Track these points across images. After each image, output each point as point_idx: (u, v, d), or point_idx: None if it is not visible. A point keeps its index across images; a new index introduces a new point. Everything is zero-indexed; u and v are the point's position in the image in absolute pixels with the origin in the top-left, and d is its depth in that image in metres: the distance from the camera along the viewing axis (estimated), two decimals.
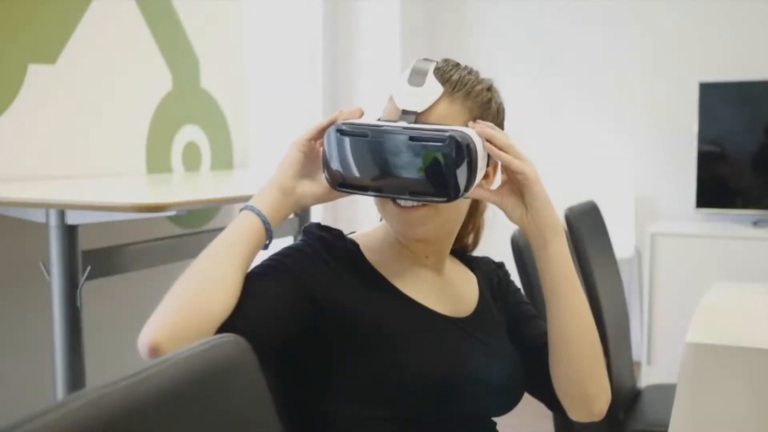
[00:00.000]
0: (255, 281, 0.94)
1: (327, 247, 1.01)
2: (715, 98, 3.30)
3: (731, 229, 3.22)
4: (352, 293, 0.99)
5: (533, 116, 3.71)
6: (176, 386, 0.61)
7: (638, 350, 3.19)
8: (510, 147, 0.96)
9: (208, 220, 2.47)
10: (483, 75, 1.05)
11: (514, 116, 1.01)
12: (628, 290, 3.34)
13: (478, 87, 1.01)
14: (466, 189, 0.92)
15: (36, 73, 1.84)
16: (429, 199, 0.94)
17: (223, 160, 2.54)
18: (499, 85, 1.07)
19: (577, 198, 2.04)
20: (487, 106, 1.01)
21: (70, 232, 1.52)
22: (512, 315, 1.14)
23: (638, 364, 3.21)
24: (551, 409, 1.10)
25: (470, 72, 1.03)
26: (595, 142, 3.68)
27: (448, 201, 0.93)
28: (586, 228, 1.90)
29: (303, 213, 2.55)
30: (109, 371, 0.62)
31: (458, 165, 0.90)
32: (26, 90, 1.81)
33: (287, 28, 3.24)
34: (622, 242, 3.37)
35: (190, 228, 2.36)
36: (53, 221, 1.51)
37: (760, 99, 3.29)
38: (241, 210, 0.96)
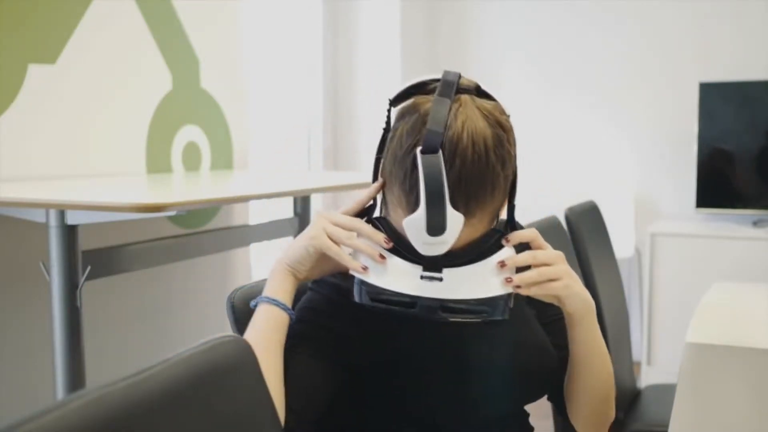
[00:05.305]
0: (292, 373, 0.95)
1: (342, 293, 1.00)
2: (715, 98, 3.30)
3: (731, 229, 3.22)
4: (373, 337, 1.00)
5: (533, 116, 3.71)
6: (176, 386, 0.61)
7: (638, 350, 3.19)
8: (552, 273, 0.94)
9: (208, 220, 2.47)
10: (484, 77, 1.00)
11: (515, 116, 0.99)
12: (628, 290, 3.35)
13: (491, 178, 0.89)
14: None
15: (36, 73, 1.84)
16: (476, 318, 0.92)
17: (223, 160, 2.54)
18: (498, 85, 1.03)
19: (577, 198, 2.04)
20: (503, 167, 0.91)
21: (70, 232, 1.52)
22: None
23: (638, 364, 3.21)
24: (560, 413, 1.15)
25: (481, 154, 0.88)
26: (595, 142, 3.68)
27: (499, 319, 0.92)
28: (586, 228, 1.90)
29: (303, 213, 2.55)
30: (109, 371, 0.62)
31: (505, 310, 0.91)
32: (26, 90, 1.81)
33: (287, 28, 3.24)
34: (622, 242, 3.37)
35: (190, 228, 2.36)
36: (53, 221, 1.51)
37: (760, 99, 3.28)
38: (256, 303, 0.96)
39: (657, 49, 3.55)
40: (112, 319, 2.04)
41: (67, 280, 1.53)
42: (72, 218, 1.51)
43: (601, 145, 3.68)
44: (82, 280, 1.54)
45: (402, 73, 3.51)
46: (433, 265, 0.89)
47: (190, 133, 2.38)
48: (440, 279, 0.89)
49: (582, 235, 1.85)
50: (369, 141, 3.50)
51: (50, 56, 1.88)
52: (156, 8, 2.21)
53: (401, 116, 0.93)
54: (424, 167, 0.85)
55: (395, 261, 0.91)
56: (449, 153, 0.86)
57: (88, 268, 1.55)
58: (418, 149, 0.86)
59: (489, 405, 1.03)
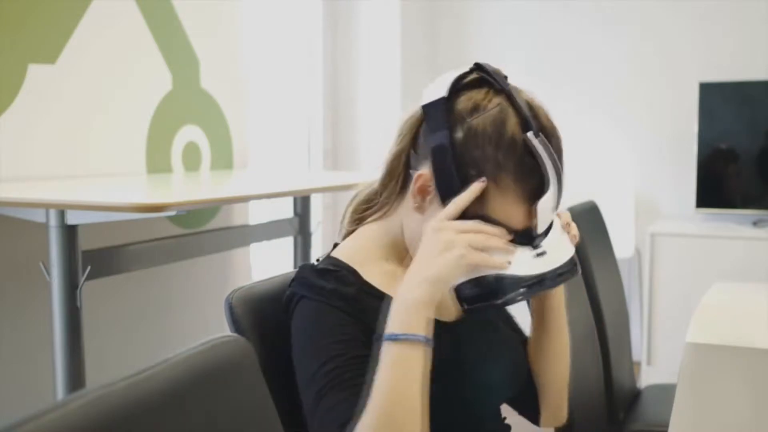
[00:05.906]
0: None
1: (344, 299, 0.97)
2: (715, 98, 3.30)
3: (731, 229, 3.22)
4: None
5: None
6: (176, 386, 0.61)
7: (638, 350, 3.19)
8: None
9: (208, 220, 2.47)
10: None
11: None
12: (628, 290, 3.34)
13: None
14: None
15: (36, 73, 1.84)
16: (575, 275, 0.99)
17: (223, 160, 2.54)
18: None
19: (577, 198, 2.04)
20: None
21: (70, 232, 1.52)
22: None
23: (638, 364, 3.21)
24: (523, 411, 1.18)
25: (559, 131, 0.99)
26: (595, 142, 3.68)
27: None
28: (586, 228, 1.90)
29: (303, 213, 2.55)
30: (109, 371, 0.62)
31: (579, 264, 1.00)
32: (26, 90, 1.81)
33: (287, 28, 3.24)
34: (622, 242, 3.37)
35: (190, 228, 2.36)
36: (53, 221, 1.51)
37: (760, 99, 3.28)
38: (390, 339, 0.87)
39: (657, 49, 3.55)
40: (112, 319, 2.04)
41: (67, 280, 1.53)
42: (72, 218, 1.51)
43: (601, 145, 3.68)
44: (82, 280, 1.54)
45: (402, 73, 3.51)
46: (534, 241, 0.96)
47: (190, 133, 2.38)
48: (544, 252, 0.95)
49: (582, 235, 1.85)
50: (369, 141, 3.50)
51: (50, 56, 1.88)
52: (156, 8, 2.21)
53: (471, 112, 0.96)
54: (545, 150, 0.93)
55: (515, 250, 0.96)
56: (548, 134, 0.94)
57: (88, 268, 1.55)
58: (529, 134, 0.92)
59: (485, 404, 1.04)
